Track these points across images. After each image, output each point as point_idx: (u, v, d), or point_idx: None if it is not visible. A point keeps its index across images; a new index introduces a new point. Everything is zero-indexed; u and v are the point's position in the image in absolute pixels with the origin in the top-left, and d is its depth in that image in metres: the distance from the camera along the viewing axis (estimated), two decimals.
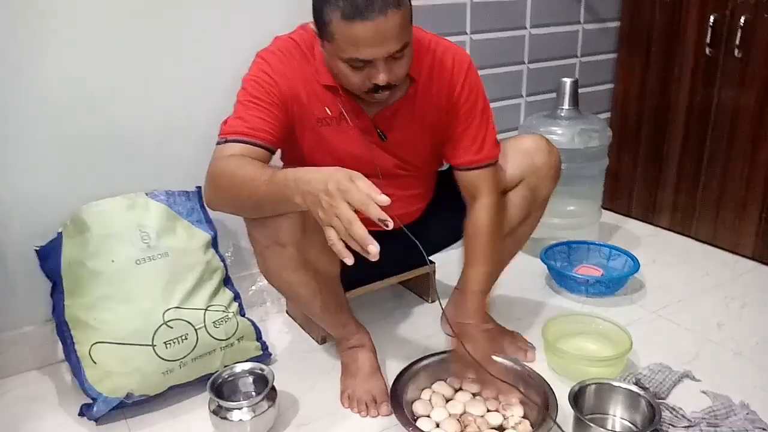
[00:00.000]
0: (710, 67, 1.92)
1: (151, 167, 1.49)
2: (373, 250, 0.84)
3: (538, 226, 1.45)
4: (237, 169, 1.03)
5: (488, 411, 1.24)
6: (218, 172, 1.06)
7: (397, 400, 1.21)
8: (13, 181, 1.36)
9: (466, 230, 1.29)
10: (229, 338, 1.36)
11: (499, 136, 1.32)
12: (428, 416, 1.22)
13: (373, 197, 0.85)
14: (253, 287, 1.69)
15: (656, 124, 2.12)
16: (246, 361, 1.34)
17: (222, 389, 1.26)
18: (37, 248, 1.36)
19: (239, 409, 1.18)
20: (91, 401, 1.26)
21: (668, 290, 1.77)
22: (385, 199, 0.85)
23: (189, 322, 1.31)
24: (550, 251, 1.86)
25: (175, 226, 1.41)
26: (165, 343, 1.28)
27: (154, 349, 1.27)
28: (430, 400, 1.26)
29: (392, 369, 1.36)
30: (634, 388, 1.23)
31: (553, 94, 1.97)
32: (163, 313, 1.29)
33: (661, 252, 2.01)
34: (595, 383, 1.24)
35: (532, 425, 1.19)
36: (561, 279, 1.78)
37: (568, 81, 1.90)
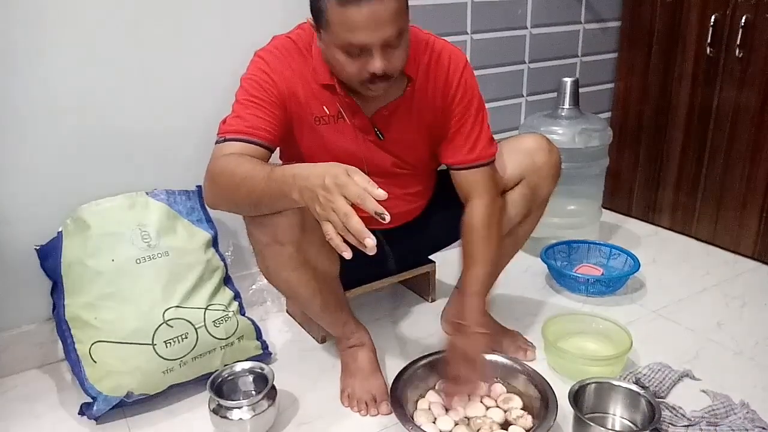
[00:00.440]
0: (711, 66, 1.92)
1: (152, 166, 1.49)
2: (370, 243, 0.84)
3: (539, 226, 1.45)
4: (236, 167, 1.03)
5: (487, 408, 1.24)
6: (217, 170, 1.06)
7: (397, 399, 1.21)
8: (14, 180, 1.36)
9: (462, 231, 1.28)
10: (229, 337, 1.36)
11: (500, 136, 1.32)
12: (433, 422, 1.21)
13: (369, 191, 0.85)
14: (254, 286, 1.69)
15: (657, 123, 2.12)
16: (246, 360, 1.34)
17: (222, 388, 1.26)
18: (38, 247, 1.36)
19: (239, 408, 1.18)
20: (91, 400, 1.26)
21: (668, 290, 1.77)
22: (382, 194, 0.85)
23: (189, 321, 1.31)
24: (550, 250, 1.86)
25: (176, 226, 1.41)
26: (165, 342, 1.28)
27: (154, 348, 1.27)
28: (429, 408, 1.25)
29: (392, 368, 1.36)
30: (634, 387, 1.23)
31: (554, 94, 1.97)
32: (164, 312, 1.29)
33: (661, 251, 2.01)
34: (595, 382, 1.24)
35: (534, 417, 1.20)
36: (561, 278, 1.78)
37: (568, 80, 1.90)
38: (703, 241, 2.06)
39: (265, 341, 1.46)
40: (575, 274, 1.75)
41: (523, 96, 2.05)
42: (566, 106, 1.92)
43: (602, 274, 1.81)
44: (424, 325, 1.61)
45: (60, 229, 1.35)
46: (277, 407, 1.24)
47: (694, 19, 1.93)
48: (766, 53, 1.77)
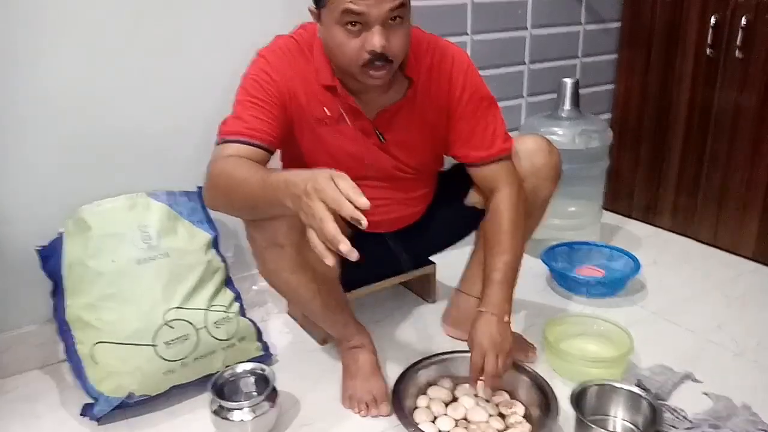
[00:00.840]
0: (711, 67, 1.92)
1: (153, 167, 1.49)
2: (344, 248, 0.82)
3: (539, 227, 1.45)
4: (233, 171, 1.03)
5: (490, 416, 1.23)
6: (216, 172, 1.06)
7: (399, 400, 1.21)
8: (14, 181, 1.36)
9: (489, 219, 1.29)
10: (230, 338, 1.36)
11: None
12: (432, 422, 1.21)
13: (351, 197, 0.83)
14: (254, 287, 1.69)
15: (657, 124, 2.12)
16: (247, 361, 1.34)
17: (223, 389, 1.26)
18: (38, 248, 1.35)
19: (240, 409, 1.18)
20: (92, 401, 1.26)
21: (669, 291, 1.77)
22: (364, 202, 0.83)
23: (190, 323, 1.31)
24: (551, 252, 1.85)
25: (176, 227, 1.41)
26: (166, 343, 1.28)
27: (155, 349, 1.27)
28: (428, 407, 1.25)
29: (393, 369, 1.36)
30: (636, 390, 1.23)
31: (554, 95, 1.97)
32: (164, 314, 1.29)
33: (662, 253, 2.01)
34: (596, 384, 1.24)
35: (532, 425, 1.19)
36: (562, 280, 1.78)
37: (568, 81, 1.90)
38: (703, 242, 2.06)
39: (266, 342, 1.46)
40: (576, 276, 1.75)
41: (523, 97, 2.05)
42: (566, 107, 1.92)
43: (603, 275, 1.81)
44: (424, 327, 1.61)
45: (61, 230, 1.35)
46: (278, 409, 1.23)
47: (694, 19, 1.93)
48: (767, 54, 1.77)
